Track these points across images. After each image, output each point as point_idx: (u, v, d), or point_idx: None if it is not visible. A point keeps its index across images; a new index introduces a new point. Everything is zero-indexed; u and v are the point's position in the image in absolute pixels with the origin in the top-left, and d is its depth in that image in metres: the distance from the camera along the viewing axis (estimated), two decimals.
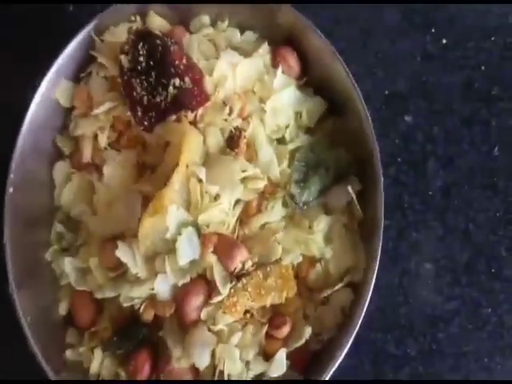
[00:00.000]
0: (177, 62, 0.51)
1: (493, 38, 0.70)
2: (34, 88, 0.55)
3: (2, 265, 0.52)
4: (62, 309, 0.56)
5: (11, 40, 0.68)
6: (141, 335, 0.53)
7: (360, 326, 0.52)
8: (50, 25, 0.68)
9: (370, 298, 0.53)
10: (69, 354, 0.54)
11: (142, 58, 0.52)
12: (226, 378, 0.50)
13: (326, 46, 0.56)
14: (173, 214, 0.49)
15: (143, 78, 0.52)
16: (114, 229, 0.53)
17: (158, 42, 0.51)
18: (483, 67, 0.69)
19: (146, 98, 0.52)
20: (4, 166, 0.54)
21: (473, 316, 0.65)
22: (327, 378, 0.52)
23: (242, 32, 0.60)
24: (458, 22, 0.70)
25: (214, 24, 0.60)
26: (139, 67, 0.52)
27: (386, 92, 0.69)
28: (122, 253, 0.50)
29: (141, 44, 0.52)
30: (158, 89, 0.51)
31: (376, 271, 0.52)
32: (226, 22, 0.60)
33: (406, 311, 0.65)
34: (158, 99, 0.52)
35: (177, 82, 0.51)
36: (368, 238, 0.54)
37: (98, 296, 0.53)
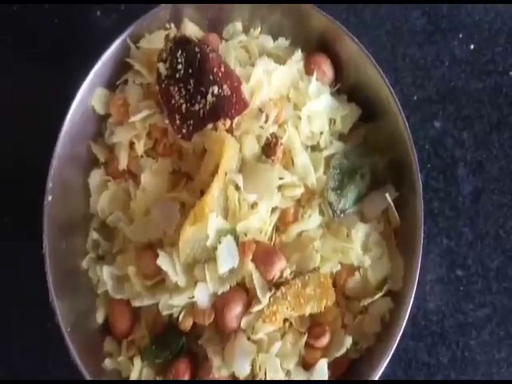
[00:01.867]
0: (215, 70, 0.51)
1: None
2: (70, 97, 0.54)
3: (41, 273, 0.52)
4: (100, 317, 0.56)
5: (45, 51, 0.68)
6: (180, 344, 0.53)
7: None
8: (78, 31, 0.68)
9: None
10: (108, 362, 0.54)
11: (180, 66, 0.52)
12: None
13: (360, 50, 0.56)
14: (213, 221, 0.49)
15: (181, 85, 0.52)
16: (151, 236, 0.53)
17: (197, 49, 0.51)
18: (511, 72, 0.69)
19: (184, 106, 0.52)
20: (39, 173, 0.54)
21: (504, 323, 0.65)
22: None
23: (274, 38, 0.60)
24: (485, 27, 0.70)
25: (246, 31, 0.60)
26: (177, 75, 0.52)
27: (415, 97, 0.69)
28: (163, 261, 0.50)
29: (179, 51, 0.52)
30: (196, 97, 0.51)
31: (417, 279, 0.52)
32: (259, 29, 0.60)
33: (437, 318, 0.65)
34: (196, 107, 0.51)
35: (215, 89, 0.51)
36: (406, 245, 0.54)
37: (136, 304, 0.53)
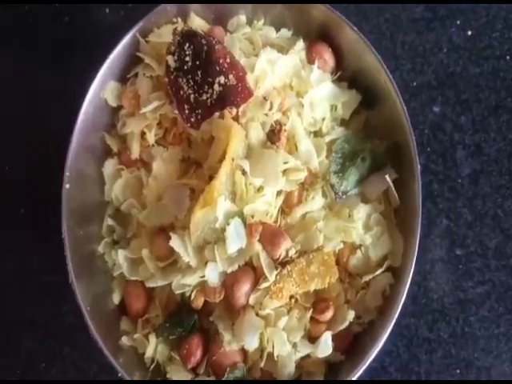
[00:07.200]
0: (221, 61, 0.53)
1: None
2: (83, 91, 0.57)
3: (60, 257, 0.55)
4: (116, 298, 0.59)
5: (56, 48, 0.71)
6: (192, 321, 0.56)
7: None
8: (88, 28, 0.71)
9: None
10: (124, 340, 0.57)
11: (188, 58, 0.54)
12: (275, 359, 0.53)
13: (359, 39, 0.58)
14: (221, 204, 0.52)
15: (189, 77, 0.54)
16: (163, 220, 0.56)
17: (204, 41, 0.54)
18: (508, 57, 0.71)
19: (192, 96, 0.54)
20: (57, 162, 0.56)
21: (503, 299, 0.67)
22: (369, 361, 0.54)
23: (277, 29, 0.62)
24: (482, 13, 0.72)
25: (250, 23, 0.62)
26: (185, 67, 0.54)
27: (414, 83, 0.71)
28: (175, 243, 0.53)
29: (187, 44, 0.54)
30: (204, 87, 0.54)
31: (415, 255, 0.54)
32: (262, 21, 0.62)
33: (438, 296, 0.67)
34: (204, 97, 0.54)
35: (222, 79, 0.53)
36: (405, 224, 0.57)
37: (150, 285, 0.55)
